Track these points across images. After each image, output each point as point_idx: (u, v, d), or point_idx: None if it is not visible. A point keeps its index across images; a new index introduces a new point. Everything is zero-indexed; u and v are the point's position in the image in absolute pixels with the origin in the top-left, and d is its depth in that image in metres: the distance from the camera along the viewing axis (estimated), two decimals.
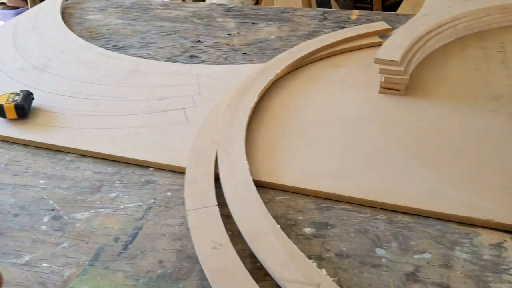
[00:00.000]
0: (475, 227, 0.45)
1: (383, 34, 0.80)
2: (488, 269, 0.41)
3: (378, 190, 0.49)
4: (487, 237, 0.44)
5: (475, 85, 0.66)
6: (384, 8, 1.83)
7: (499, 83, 0.66)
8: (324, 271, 0.39)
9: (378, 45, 0.78)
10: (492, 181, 0.49)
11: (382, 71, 0.65)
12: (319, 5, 1.61)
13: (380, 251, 0.43)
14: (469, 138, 0.56)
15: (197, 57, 0.81)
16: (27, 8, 2.65)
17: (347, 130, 0.59)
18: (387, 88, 0.65)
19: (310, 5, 1.60)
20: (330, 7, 1.61)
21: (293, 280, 0.38)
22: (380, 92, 0.66)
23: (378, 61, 0.65)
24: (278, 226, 0.44)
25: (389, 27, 0.80)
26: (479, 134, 0.56)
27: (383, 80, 0.65)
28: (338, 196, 0.49)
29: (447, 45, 0.77)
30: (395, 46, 0.67)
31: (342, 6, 1.73)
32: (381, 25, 0.81)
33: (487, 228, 0.45)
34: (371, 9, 1.87)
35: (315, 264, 0.40)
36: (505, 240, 0.43)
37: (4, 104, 0.63)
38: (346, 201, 0.49)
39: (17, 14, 2.66)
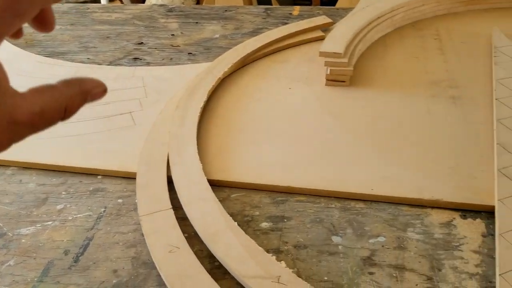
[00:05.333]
0: (425, 208, 0.47)
1: (326, 28, 0.81)
2: (440, 247, 0.42)
3: (330, 179, 0.50)
4: (437, 217, 0.46)
5: (416, 72, 0.69)
6: (323, 4, 1.87)
7: (437, 69, 0.69)
8: (283, 264, 0.39)
9: (321, 39, 0.79)
10: (438, 162, 0.51)
11: (327, 64, 0.66)
12: (260, 3, 1.62)
13: (336, 239, 0.44)
14: (414, 123, 0.58)
15: (141, 59, 0.79)
16: None
17: (298, 124, 0.59)
18: (333, 80, 0.66)
19: (251, 3, 1.60)
20: (271, 5, 1.62)
21: (253, 275, 0.38)
22: (326, 85, 0.67)
23: (323, 54, 0.66)
24: (235, 223, 0.43)
25: (331, 21, 0.81)
26: (423, 119, 0.58)
27: (328, 72, 0.66)
28: (292, 189, 0.49)
29: (386, 36, 0.80)
30: (337, 39, 0.68)
31: (282, 3, 1.75)
32: (323, 20, 0.82)
33: (436, 208, 0.46)
34: (310, 5, 1.90)
35: (274, 257, 0.40)
36: (454, 218, 0.45)
37: None
38: (300, 193, 0.49)
39: None
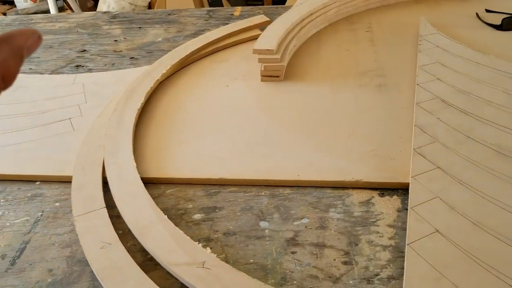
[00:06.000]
0: (347, 189, 0.50)
1: (264, 27, 0.84)
2: (359, 223, 0.45)
3: (260, 169, 0.52)
4: (358, 196, 0.49)
5: (346, 64, 0.72)
6: (275, 3, 1.90)
7: (367, 60, 0.73)
8: (208, 250, 0.41)
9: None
10: (360, 146, 0.54)
11: (261, 61, 0.68)
12: (211, 5, 1.64)
13: (263, 224, 0.46)
14: (341, 111, 0.61)
15: (83, 66, 0.80)
16: None
17: (233, 119, 0.61)
18: (268, 76, 0.69)
19: (202, 5, 1.62)
20: (222, 6, 1.64)
21: (179, 263, 0.40)
22: (262, 80, 0.69)
23: (256, 51, 0.69)
24: (165, 216, 0.45)
25: (268, 19, 0.84)
26: (350, 107, 0.62)
27: (262, 68, 0.68)
28: (224, 180, 0.51)
29: (321, 31, 0.83)
30: (270, 36, 0.71)
31: (234, 4, 1.77)
32: (260, 19, 0.85)
33: (357, 188, 0.49)
34: (262, 5, 1.93)
35: (200, 245, 0.42)
36: (372, 197, 0.48)
37: None
38: (233, 184, 0.52)
39: None
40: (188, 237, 0.42)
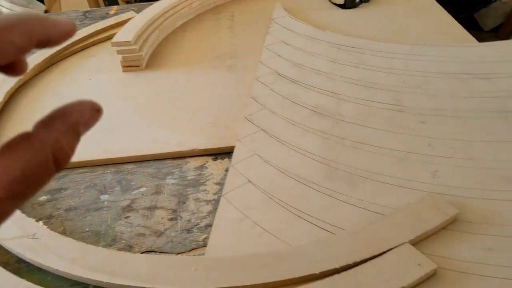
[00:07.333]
0: (186, 158, 0.55)
1: None
2: (190, 186, 0.50)
3: (108, 149, 0.56)
4: (194, 163, 0.54)
5: (205, 50, 0.77)
6: None
7: (223, 45, 0.78)
8: (41, 223, 0.45)
9: None
10: (202, 120, 0.59)
11: (119, 52, 0.72)
12: (109, 3, 1.65)
13: (104, 197, 0.50)
14: (192, 92, 0.66)
15: None
16: None
17: None
18: (128, 66, 0.73)
19: (98, 5, 1.63)
20: (118, 4, 1.66)
21: (12, 237, 0.43)
22: (124, 71, 0.73)
23: (114, 44, 0.72)
24: None
25: (136, 15, 0.88)
26: (200, 88, 0.67)
27: (121, 60, 0.72)
28: (72, 164, 0.55)
29: (187, 22, 0.88)
30: (129, 29, 0.75)
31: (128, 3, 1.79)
32: (130, 15, 0.89)
33: (194, 156, 0.55)
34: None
35: (34, 220, 0.45)
36: (207, 162, 0.54)
37: None
38: (81, 166, 0.55)
39: None
40: (23, 215, 0.46)
